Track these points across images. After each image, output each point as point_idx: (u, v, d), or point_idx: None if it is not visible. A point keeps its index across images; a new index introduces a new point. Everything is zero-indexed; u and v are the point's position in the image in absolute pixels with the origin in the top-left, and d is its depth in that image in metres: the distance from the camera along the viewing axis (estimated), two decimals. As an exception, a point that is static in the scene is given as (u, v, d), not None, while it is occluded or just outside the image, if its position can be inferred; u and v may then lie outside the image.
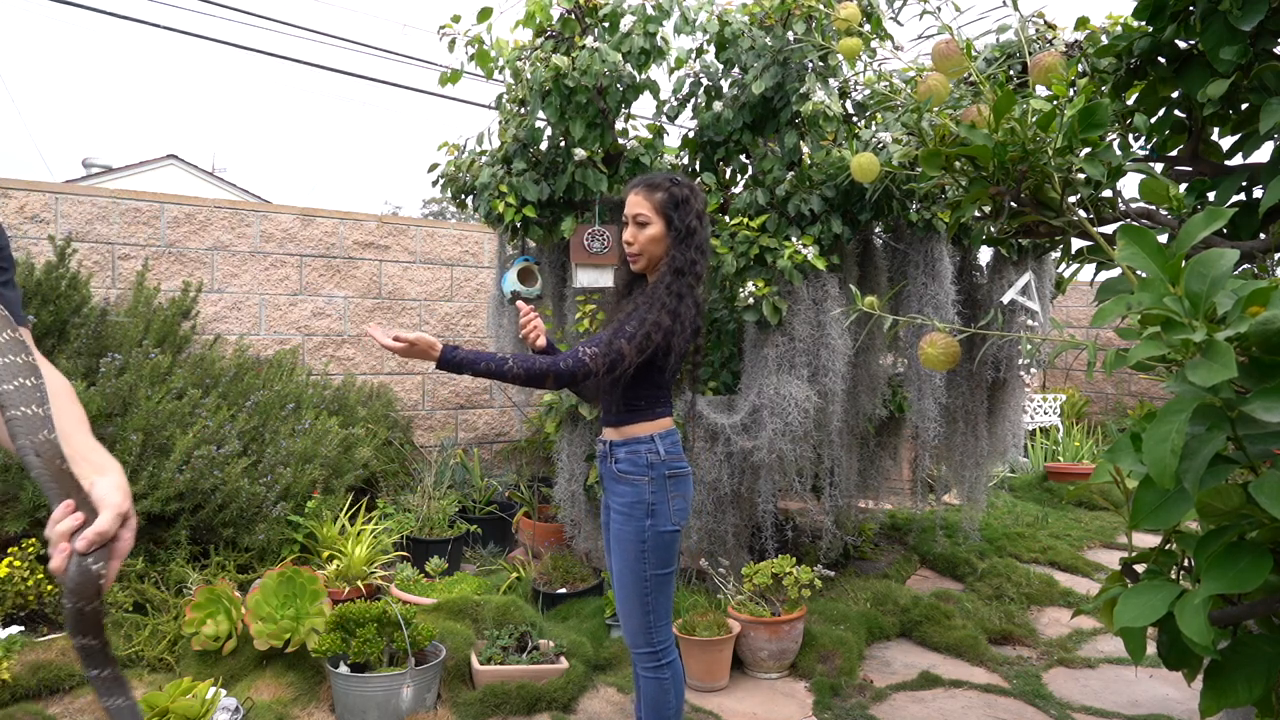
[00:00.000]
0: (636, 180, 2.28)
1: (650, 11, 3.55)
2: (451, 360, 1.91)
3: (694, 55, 3.94)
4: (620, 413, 2.22)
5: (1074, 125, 1.63)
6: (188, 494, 3.54)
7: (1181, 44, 1.99)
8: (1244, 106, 1.97)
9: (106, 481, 0.96)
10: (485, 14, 3.67)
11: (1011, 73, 2.60)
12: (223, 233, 5.14)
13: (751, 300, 3.55)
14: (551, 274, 4.23)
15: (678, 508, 2.22)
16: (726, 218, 3.84)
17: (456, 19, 3.69)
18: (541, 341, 2.14)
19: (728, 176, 4.15)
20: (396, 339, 1.88)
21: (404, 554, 4.31)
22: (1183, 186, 2.11)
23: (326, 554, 3.82)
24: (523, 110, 3.81)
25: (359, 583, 3.69)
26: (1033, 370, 5.63)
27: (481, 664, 3.09)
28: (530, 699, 3.00)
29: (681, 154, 4.16)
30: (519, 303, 2.21)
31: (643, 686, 2.26)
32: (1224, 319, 1.01)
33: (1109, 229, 2.08)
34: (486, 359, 1.93)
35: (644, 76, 3.65)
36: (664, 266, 2.19)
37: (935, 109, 1.90)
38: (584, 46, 3.48)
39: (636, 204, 2.22)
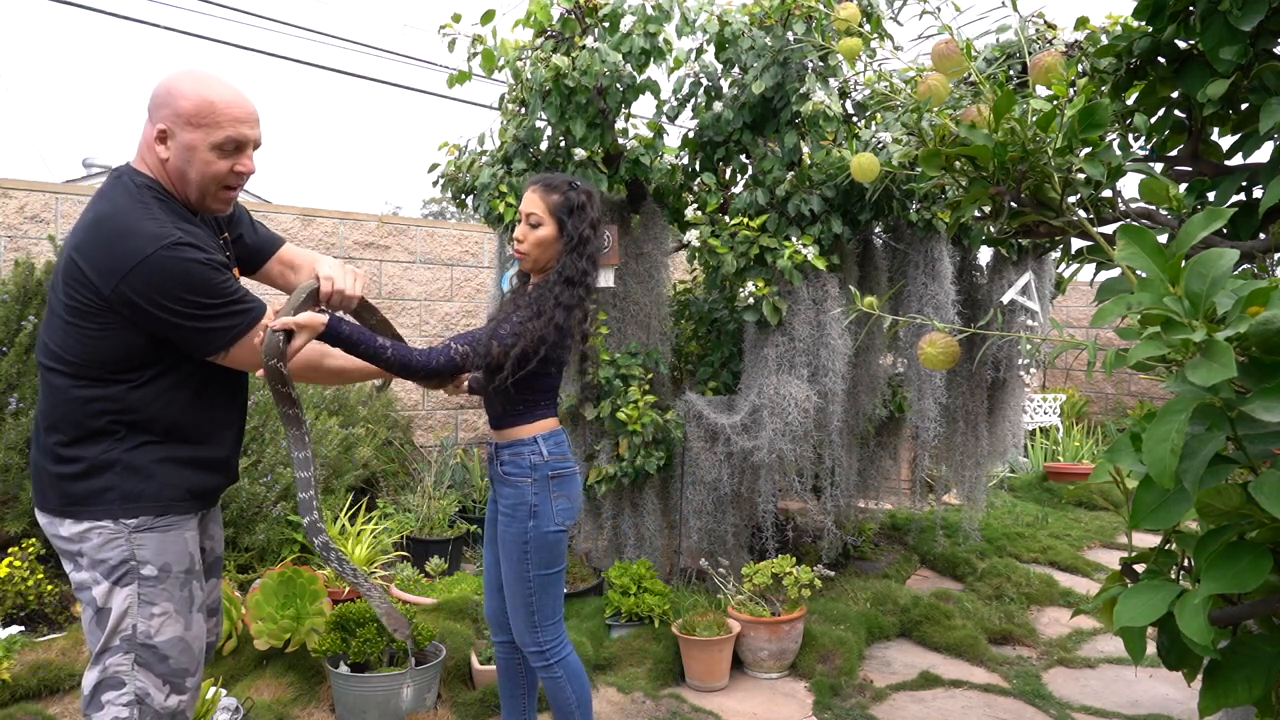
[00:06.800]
0: (536, 178, 2.21)
1: (650, 12, 3.55)
2: (336, 331, 1.83)
3: (694, 55, 3.94)
4: (502, 415, 2.20)
5: (1074, 125, 1.63)
6: (188, 494, 3.53)
7: (1181, 44, 1.99)
8: (1244, 106, 1.97)
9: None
10: (488, 16, 3.66)
11: (1011, 73, 2.60)
12: (223, 233, 5.14)
13: (751, 300, 3.55)
14: (551, 274, 4.23)
15: (561, 508, 2.20)
16: (726, 218, 3.83)
17: (457, 18, 3.69)
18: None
19: (728, 176, 4.14)
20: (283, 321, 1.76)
21: (404, 554, 4.31)
22: (1183, 186, 2.11)
23: (326, 554, 3.82)
24: (523, 110, 3.81)
25: (359, 583, 3.69)
26: (1033, 370, 5.63)
27: (481, 664, 3.09)
28: (530, 699, 3.00)
29: (681, 154, 4.16)
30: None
31: (543, 685, 2.30)
32: (1224, 319, 1.01)
33: (1109, 229, 2.09)
34: (368, 340, 1.88)
35: (644, 77, 3.65)
36: (554, 274, 2.16)
37: (935, 109, 1.91)
38: (584, 46, 3.48)
39: (531, 203, 2.17)
